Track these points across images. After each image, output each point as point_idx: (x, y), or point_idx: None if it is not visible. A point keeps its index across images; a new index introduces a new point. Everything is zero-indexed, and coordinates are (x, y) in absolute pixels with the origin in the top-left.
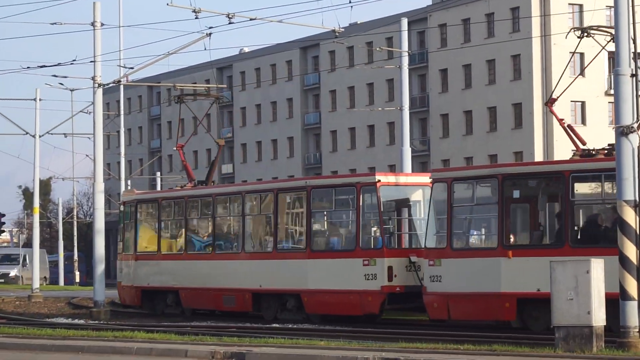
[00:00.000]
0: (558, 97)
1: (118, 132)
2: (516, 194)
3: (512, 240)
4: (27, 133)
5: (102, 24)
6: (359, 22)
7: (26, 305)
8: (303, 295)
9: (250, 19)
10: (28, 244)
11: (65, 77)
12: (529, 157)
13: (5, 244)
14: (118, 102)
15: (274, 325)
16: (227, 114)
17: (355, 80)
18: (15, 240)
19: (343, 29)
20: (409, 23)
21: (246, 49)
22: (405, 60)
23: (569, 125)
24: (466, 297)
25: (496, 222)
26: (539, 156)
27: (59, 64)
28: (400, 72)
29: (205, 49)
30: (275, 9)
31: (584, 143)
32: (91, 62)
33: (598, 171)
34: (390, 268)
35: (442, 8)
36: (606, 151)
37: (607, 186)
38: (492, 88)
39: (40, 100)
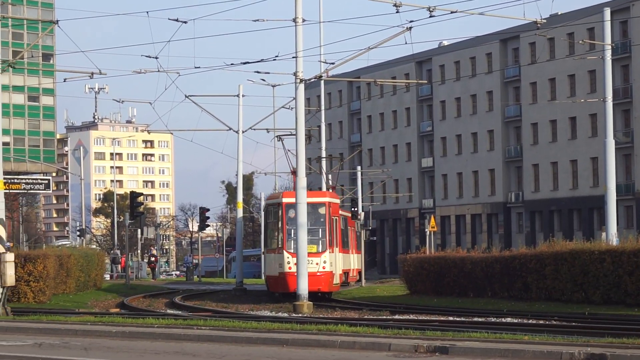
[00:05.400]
0: None
1: (319, 127)
2: None
3: None
4: (230, 129)
5: (304, 20)
6: (559, 13)
7: (231, 298)
8: None
9: (452, 12)
10: (231, 238)
11: (267, 72)
12: None
13: (209, 239)
14: (319, 97)
15: (476, 319)
16: (427, 108)
17: (556, 72)
18: (219, 234)
19: (545, 20)
20: (611, 13)
21: (445, 42)
22: (608, 52)
23: None
24: None
25: None
26: None
27: (261, 60)
28: (602, 63)
29: (405, 43)
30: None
31: None
32: (293, 57)
33: None
34: None
35: None
36: None
37: None
38: None
39: (242, 96)
